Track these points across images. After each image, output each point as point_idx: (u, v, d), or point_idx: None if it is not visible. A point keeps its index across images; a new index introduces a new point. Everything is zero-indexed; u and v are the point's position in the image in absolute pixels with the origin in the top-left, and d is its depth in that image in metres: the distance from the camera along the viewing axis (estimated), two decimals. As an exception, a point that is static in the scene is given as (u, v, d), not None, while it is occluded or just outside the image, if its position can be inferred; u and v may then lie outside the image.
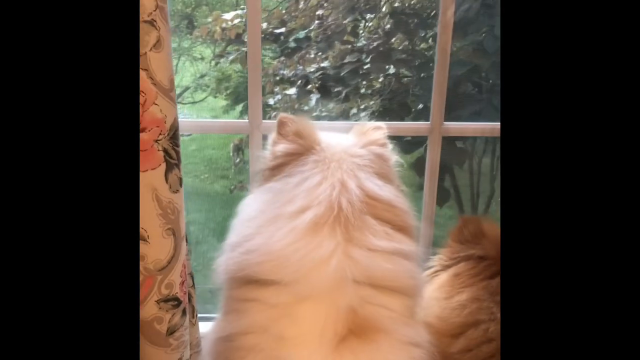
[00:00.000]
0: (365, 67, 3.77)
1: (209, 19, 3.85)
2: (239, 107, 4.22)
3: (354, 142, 1.11)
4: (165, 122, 1.12)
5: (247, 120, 1.45)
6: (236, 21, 3.73)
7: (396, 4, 3.75)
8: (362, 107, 3.93)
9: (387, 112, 3.86)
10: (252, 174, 1.46)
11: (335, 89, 3.84)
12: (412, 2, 3.74)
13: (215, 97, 4.63)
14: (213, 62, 4.11)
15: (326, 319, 0.92)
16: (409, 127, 1.50)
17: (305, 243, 0.96)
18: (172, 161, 1.14)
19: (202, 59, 4.32)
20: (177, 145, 1.16)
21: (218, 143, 4.72)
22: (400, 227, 1.04)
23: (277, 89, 3.99)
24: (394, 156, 1.15)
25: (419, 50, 3.75)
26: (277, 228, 0.99)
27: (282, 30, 3.78)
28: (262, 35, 3.91)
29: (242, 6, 4.18)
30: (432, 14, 3.68)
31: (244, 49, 3.78)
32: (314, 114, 3.87)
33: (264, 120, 1.43)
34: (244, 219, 1.08)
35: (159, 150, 1.11)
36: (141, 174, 1.11)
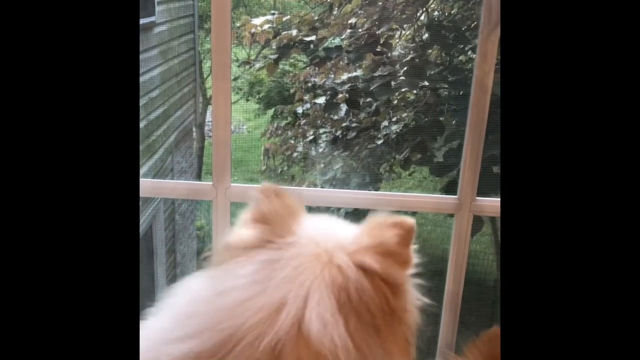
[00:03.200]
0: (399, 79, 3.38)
1: (237, 24, 3.55)
2: (270, 112, 4.07)
3: (349, 244, 0.70)
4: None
5: (212, 183, 1.07)
6: (266, 27, 3.41)
7: (435, 13, 3.37)
8: (394, 119, 3.58)
9: (419, 128, 3.49)
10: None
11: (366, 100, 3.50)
12: (453, 13, 3.34)
13: (248, 100, 4.41)
14: (246, 67, 3.84)
15: None
16: (433, 200, 1.08)
17: None
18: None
19: (237, 61, 4.04)
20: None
21: (249, 145, 4.50)
22: None
23: (306, 97, 3.71)
24: (405, 285, 0.73)
25: (456, 64, 3.35)
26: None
27: (313, 38, 3.42)
28: (292, 43, 3.59)
29: (272, 11, 3.83)
30: (472, 25, 3.28)
31: (271, 56, 3.46)
32: (344, 124, 3.55)
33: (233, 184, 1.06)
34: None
35: None
36: None
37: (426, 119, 3.32)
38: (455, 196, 1.08)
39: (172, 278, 3.16)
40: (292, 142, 3.77)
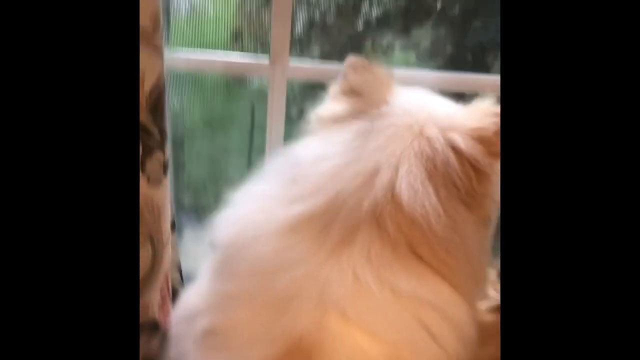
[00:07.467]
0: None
1: None
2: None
3: (442, 119, 0.73)
4: (142, 84, 0.68)
5: (267, 62, 1.02)
6: None
7: None
8: (376, 2, 3.44)
9: (402, 13, 3.36)
10: (269, 129, 1.10)
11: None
12: None
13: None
14: None
15: None
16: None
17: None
18: (151, 142, 0.71)
19: None
20: (161, 117, 0.72)
21: (215, 28, 4.27)
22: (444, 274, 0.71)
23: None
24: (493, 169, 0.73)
25: None
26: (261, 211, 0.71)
27: None
28: None
29: None
30: None
31: None
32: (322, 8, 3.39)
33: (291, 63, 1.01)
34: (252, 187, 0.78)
35: (131, 128, 0.69)
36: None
37: (410, 4, 3.20)
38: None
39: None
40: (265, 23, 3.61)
